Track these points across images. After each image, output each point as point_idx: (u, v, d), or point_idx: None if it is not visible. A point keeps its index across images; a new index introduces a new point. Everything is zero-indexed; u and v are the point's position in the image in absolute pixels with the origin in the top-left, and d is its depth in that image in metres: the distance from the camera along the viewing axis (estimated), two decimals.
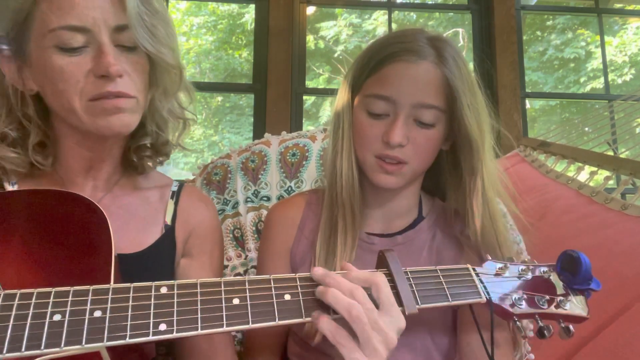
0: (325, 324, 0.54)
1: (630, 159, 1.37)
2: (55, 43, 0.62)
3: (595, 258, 1.09)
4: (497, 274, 0.68)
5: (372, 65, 0.77)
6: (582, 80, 5.24)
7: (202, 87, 3.12)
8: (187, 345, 0.75)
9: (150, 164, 0.80)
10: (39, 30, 0.63)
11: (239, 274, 1.03)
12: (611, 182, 1.35)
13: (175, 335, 0.50)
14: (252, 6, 2.42)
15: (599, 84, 4.89)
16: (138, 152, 0.77)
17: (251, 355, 0.85)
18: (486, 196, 0.77)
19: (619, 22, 4.93)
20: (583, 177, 1.41)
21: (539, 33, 5.51)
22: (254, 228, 1.06)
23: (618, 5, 2.85)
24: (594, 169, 1.44)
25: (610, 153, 1.63)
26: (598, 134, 1.81)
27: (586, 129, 2.11)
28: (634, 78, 4.72)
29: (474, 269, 0.67)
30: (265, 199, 1.09)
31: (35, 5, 0.63)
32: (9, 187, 0.71)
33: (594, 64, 5.11)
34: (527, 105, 2.57)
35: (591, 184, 1.35)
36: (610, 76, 4.71)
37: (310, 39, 4.72)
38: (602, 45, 2.82)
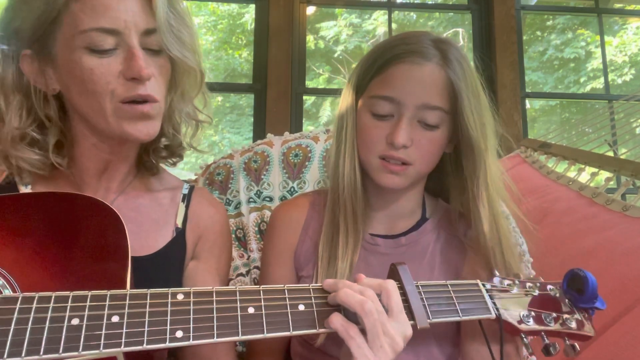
0: (337, 319, 0.56)
1: (631, 160, 1.36)
2: (86, 44, 0.63)
3: (596, 259, 1.09)
4: (505, 290, 0.68)
5: (377, 66, 0.77)
6: (582, 80, 5.24)
7: None
8: (189, 349, 0.75)
9: (163, 165, 0.81)
10: (69, 31, 0.63)
11: (241, 275, 1.03)
12: (612, 183, 1.35)
13: (191, 342, 0.51)
14: (252, 6, 2.42)
15: (599, 84, 4.89)
16: (155, 153, 0.78)
17: (255, 356, 0.85)
18: (490, 199, 0.77)
19: (619, 22, 4.92)
20: (584, 178, 1.41)
21: (539, 33, 5.50)
22: (256, 228, 1.06)
23: (618, 5, 2.85)
24: (594, 170, 1.44)
25: (611, 154, 1.63)
26: (598, 135, 1.81)
27: (586, 129, 2.11)
28: (634, 78, 4.72)
29: (483, 285, 0.68)
30: (267, 199, 1.09)
31: (66, 7, 0.63)
32: (23, 189, 0.72)
33: (594, 64, 5.10)
34: (527, 105, 2.57)
35: (592, 185, 1.35)
36: (610, 76, 4.71)
37: (310, 39, 4.72)
38: (602, 45, 2.82)
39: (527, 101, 2.53)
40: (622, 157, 1.52)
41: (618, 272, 1.02)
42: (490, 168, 0.77)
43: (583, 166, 1.47)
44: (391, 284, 0.60)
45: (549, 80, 5.47)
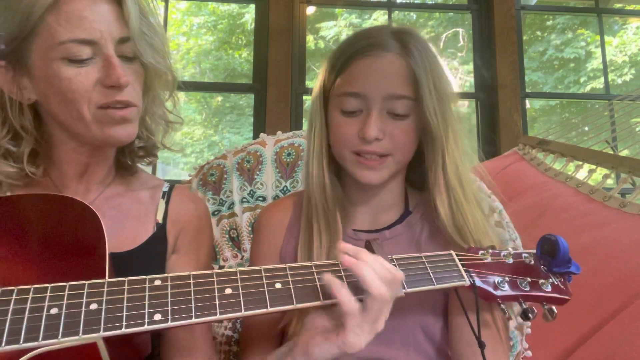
0: (346, 292, 0.57)
1: (629, 157, 1.37)
2: (63, 55, 0.64)
3: (593, 256, 1.09)
4: (479, 259, 0.70)
5: (340, 64, 0.78)
6: (582, 80, 5.24)
7: (202, 87, 3.13)
8: (169, 338, 0.76)
9: (140, 164, 0.84)
10: (46, 42, 0.65)
11: None
12: (610, 180, 1.35)
13: (170, 324, 0.52)
14: (252, 6, 2.42)
15: (599, 84, 4.89)
16: (131, 154, 0.80)
17: (248, 342, 0.85)
18: (449, 185, 0.77)
19: (619, 22, 4.92)
20: (582, 175, 1.41)
21: (539, 33, 5.50)
22: (249, 228, 1.07)
23: (618, 5, 2.85)
24: (592, 167, 1.44)
25: (610, 152, 1.63)
26: (597, 133, 1.81)
27: (585, 128, 2.11)
28: (634, 78, 4.72)
29: (457, 254, 0.70)
30: (261, 199, 1.09)
31: (41, 19, 0.64)
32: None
33: (594, 64, 5.10)
34: (527, 105, 2.57)
35: (590, 182, 1.35)
36: (610, 76, 4.70)
37: (310, 39, 4.72)
38: (602, 45, 2.82)
39: (527, 101, 2.53)
40: (621, 155, 1.52)
41: (616, 268, 1.02)
42: (451, 156, 0.77)
43: (581, 163, 1.47)
44: (399, 274, 0.61)
45: (549, 80, 5.47)
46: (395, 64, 0.75)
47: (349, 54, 0.78)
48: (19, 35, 0.66)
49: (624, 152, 1.65)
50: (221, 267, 1.03)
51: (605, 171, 1.36)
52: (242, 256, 1.05)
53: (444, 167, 0.78)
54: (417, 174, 0.89)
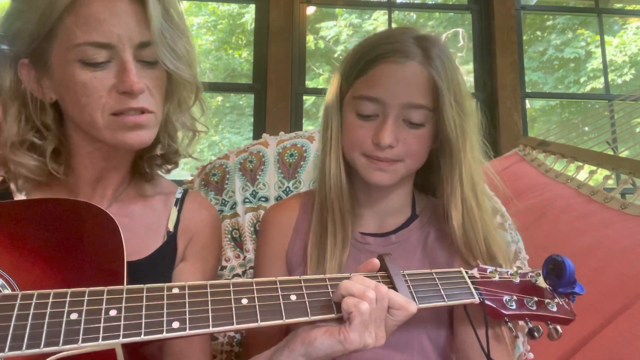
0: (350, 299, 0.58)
1: (629, 158, 1.37)
2: (79, 57, 0.64)
3: (594, 257, 1.09)
4: (487, 277, 0.71)
5: (361, 66, 0.78)
6: (582, 80, 5.24)
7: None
8: (167, 346, 0.75)
9: (158, 171, 0.82)
10: (64, 44, 0.64)
11: (237, 275, 1.03)
12: (610, 181, 1.35)
13: (188, 332, 0.53)
14: (252, 6, 2.42)
15: (599, 84, 4.88)
16: (149, 161, 0.78)
17: (250, 351, 0.85)
18: (464, 197, 0.78)
19: (619, 22, 4.92)
20: (582, 176, 1.41)
21: (539, 33, 5.50)
22: (252, 229, 1.06)
23: (618, 5, 2.85)
24: (593, 168, 1.44)
25: (610, 152, 1.63)
26: (598, 134, 1.81)
27: (586, 128, 2.11)
28: (634, 78, 4.72)
29: (466, 272, 0.71)
30: (263, 199, 1.09)
31: (60, 20, 0.64)
32: (18, 196, 0.72)
33: (594, 64, 5.10)
34: (527, 105, 2.57)
35: (590, 183, 1.35)
36: (610, 76, 4.70)
37: (310, 39, 4.72)
38: (602, 45, 2.83)
39: (527, 101, 2.53)
40: (622, 155, 1.52)
41: (616, 269, 1.02)
42: (467, 166, 0.78)
43: (581, 164, 1.47)
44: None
45: (549, 80, 5.46)
46: (417, 72, 0.74)
47: (371, 57, 0.77)
48: (39, 35, 0.65)
49: (625, 153, 1.65)
50: (223, 268, 1.03)
51: (606, 172, 1.36)
52: (244, 256, 1.05)
53: (460, 180, 0.78)
54: (425, 179, 0.89)
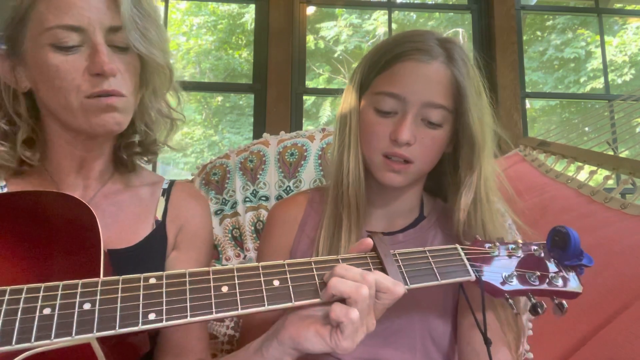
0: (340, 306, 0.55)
1: (629, 159, 1.36)
2: (51, 41, 0.65)
3: (594, 257, 1.09)
4: (486, 253, 0.68)
5: (382, 63, 0.77)
6: (582, 80, 5.25)
7: (202, 87, 3.12)
8: (164, 336, 0.76)
9: (139, 162, 0.83)
10: (36, 29, 0.66)
11: None
12: (611, 181, 1.35)
13: (164, 323, 0.51)
14: (252, 6, 2.42)
15: (599, 84, 4.89)
16: (127, 149, 0.79)
17: (244, 342, 0.85)
18: (479, 193, 0.78)
19: (619, 22, 4.93)
20: (582, 176, 1.41)
21: (539, 33, 5.51)
22: (252, 228, 1.07)
23: (618, 5, 2.85)
24: (593, 168, 1.44)
25: (610, 153, 1.63)
26: (598, 134, 1.81)
27: (586, 129, 2.11)
28: (634, 78, 4.72)
29: (462, 248, 0.68)
30: (263, 198, 1.09)
31: (33, 6, 0.66)
32: None
33: (594, 64, 5.11)
34: (527, 105, 2.57)
35: (591, 183, 1.34)
36: (610, 76, 4.71)
37: (310, 39, 4.72)
38: (602, 45, 2.82)
39: (527, 101, 2.53)
40: (622, 156, 1.52)
41: (616, 269, 1.02)
42: (485, 167, 0.78)
43: (582, 164, 1.47)
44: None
45: (549, 80, 5.47)
46: (440, 72, 0.74)
47: (394, 54, 0.76)
48: (12, 21, 0.67)
49: (625, 153, 1.65)
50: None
51: (606, 172, 1.36)
52: (245, 255, 1.05)
53: (479, 175, 0.78)
54: (434, 181, 0.89)
